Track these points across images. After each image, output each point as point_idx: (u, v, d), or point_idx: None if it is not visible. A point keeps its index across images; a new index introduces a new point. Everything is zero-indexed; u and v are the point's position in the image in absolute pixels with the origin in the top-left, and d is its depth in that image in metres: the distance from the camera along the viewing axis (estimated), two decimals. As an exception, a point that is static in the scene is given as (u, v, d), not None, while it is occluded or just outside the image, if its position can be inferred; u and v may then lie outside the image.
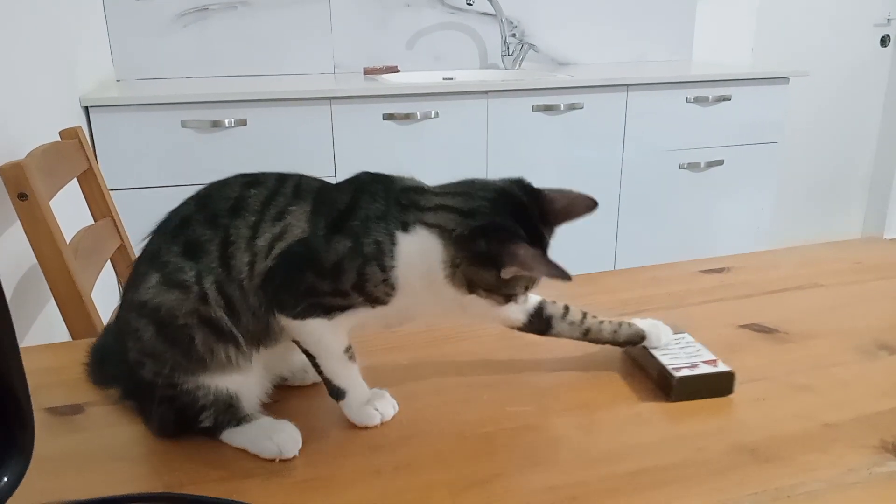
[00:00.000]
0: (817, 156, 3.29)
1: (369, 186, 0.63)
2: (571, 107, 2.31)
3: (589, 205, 0.64)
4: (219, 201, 0.62)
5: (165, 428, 0.63)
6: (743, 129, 2.54)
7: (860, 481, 0.57)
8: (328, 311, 0.61)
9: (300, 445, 0.61)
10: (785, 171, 3.00)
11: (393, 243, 0.60)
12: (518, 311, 0.71)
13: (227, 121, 2.01)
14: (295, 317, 0.61)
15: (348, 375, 0.64)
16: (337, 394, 0.65)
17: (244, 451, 0.62)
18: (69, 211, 1.39)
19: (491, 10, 2.63)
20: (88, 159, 1.55)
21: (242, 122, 2.03)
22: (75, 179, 1.52)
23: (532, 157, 2.34)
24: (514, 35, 2.68)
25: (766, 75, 2.51)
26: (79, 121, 1.88)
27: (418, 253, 0.60)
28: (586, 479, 0.58)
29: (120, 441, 0.64)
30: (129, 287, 0.62)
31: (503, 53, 2.68)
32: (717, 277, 1.01)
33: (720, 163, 2.53)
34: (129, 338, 0.62)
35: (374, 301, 0.61)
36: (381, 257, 0.60)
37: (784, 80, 2.52)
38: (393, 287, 0.61)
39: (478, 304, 0.63)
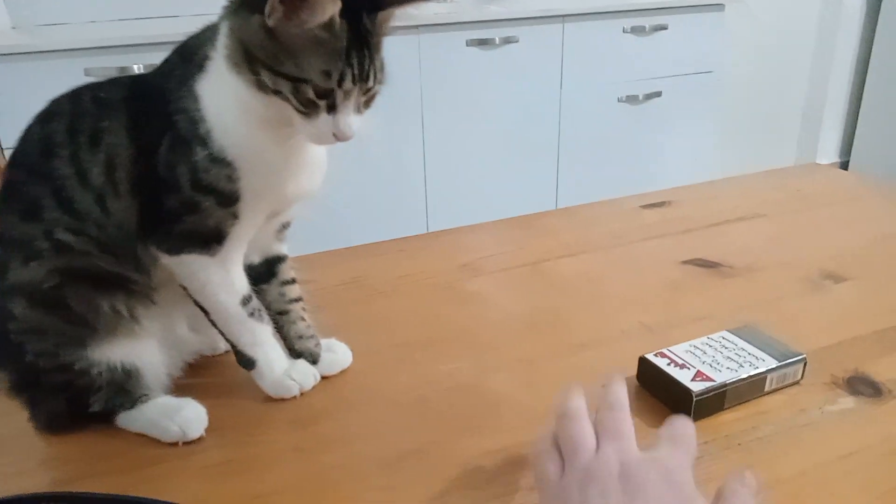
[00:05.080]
0: (755, 84, 3.29)
1: (168, 59, 0.53)
2: (507, 41, 2.22)
3: None
4: (28, 151, 0.53)
5: (55, 422, 0.56)
6: (680, 60, 2.50)
7: (812, 422, 0.54)
8: (202, 242, 0.53)
9: (206, 424, 0.55)
10: (724, 101, 3.00)
11: (195, 98, 0.49)
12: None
13: (135, 66, 1.85)
14: (169, 252, 0.53)
15: (254, 341, 0.57)
16: (246, 363, 0.58)
17: (146, 437, 0.55)
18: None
19: (418, -60, 2.48)
20: (-23, 115, 1.40)
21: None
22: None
23: (468, 95, 2.25)
24: (444, -34, 2.55)
25: (702, 2, 2.46)
26: (-33, 72, 1.70)
27: (219, 70, 0.49)
28: (525, 441, 0.53)
29: (2, 433, 0.56)
30: None
31: (434, -14, 2.55)
32: (657, 212, 0.98)
33: (658, 94, 2.50)
34: (8, 322, 0.54)
35: (224, 198, 0.51)
36: (194, 126, 0.49)
37: (720, 6, 2.48)
38: (225, 162, 0.50)
39: (284, 114, 0.48)
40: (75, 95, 0.54)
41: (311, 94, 0.47)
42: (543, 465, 0.44)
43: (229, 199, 0.51)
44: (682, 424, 0.45)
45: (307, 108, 0.48)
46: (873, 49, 3.21)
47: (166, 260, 0.53)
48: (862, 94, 3.30)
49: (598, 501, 0.39)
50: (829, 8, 3.25)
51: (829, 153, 3.49)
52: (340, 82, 0.47)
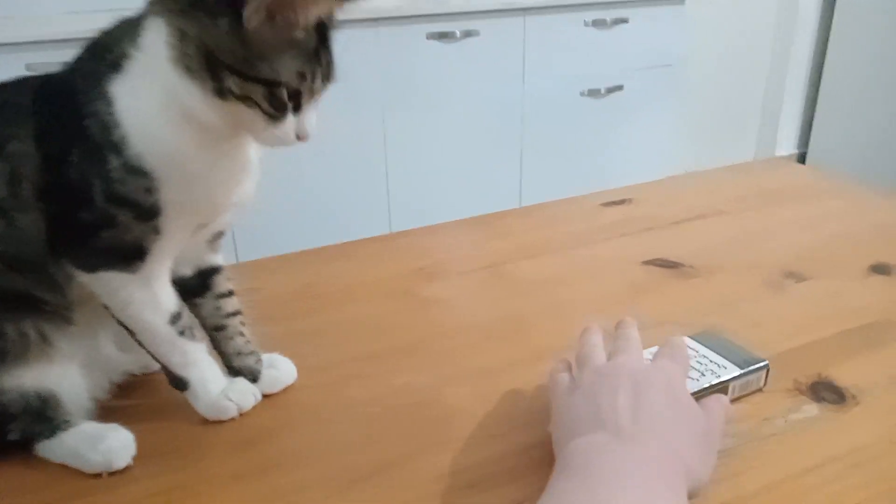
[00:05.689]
0: (715, 77, 3.31)
1: (78, 56, 0.48)
2: (467, 34, 2.19)
3: None
4: None
5: None
6: (641, 53, 2.50)
7: (777, 432, 0.52)
8: (121, 258, 0.48)
9: (133, 453, 0.50)
10: (685, 94, 3.01)
11: (108, 100, 0.44)
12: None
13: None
14: (86, 269, 0.48)
15: (186, 361, 0.53)
16: (178, 384, 0.54)
17: (68, 467, 0.50)
18: None
19: (377, -69, 2.44)
20: None
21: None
22: None
23: (429, 89, 2.21)
24: (403, -42, 2.50)
25: (662, -5, 2.46)
26: None
27: (142, 71, 0.45)
28: (485, 460, 0.50)
29: None
30: None
31: (393, -21, 2.50)
32: (619, 210, 0.96)
33: (620, 88, 2.50)
34: None
35: (143, 212, 0.46)
36: (107, 132, 0.44)
37: (679, 0, 2.48)
38: (142, 172, 0.45)
39: (240, 120, 0.45)
40: None
41: (285, 96, 0.45)
42: (558, 375, 0.51)
43: (149, 213, 0.47)
44: (677, 343, 0.52)
45: (278, 112, 0.45)
46: (829, 43, 3.25)
47: (83, 278, 0.49)
48: (819, 87, 3.35)
49: (608, 394, 0.45)
50: (786, 2, 3.28)
51: (787, 145, 3.54)
52: (312, 82, 0.45)
